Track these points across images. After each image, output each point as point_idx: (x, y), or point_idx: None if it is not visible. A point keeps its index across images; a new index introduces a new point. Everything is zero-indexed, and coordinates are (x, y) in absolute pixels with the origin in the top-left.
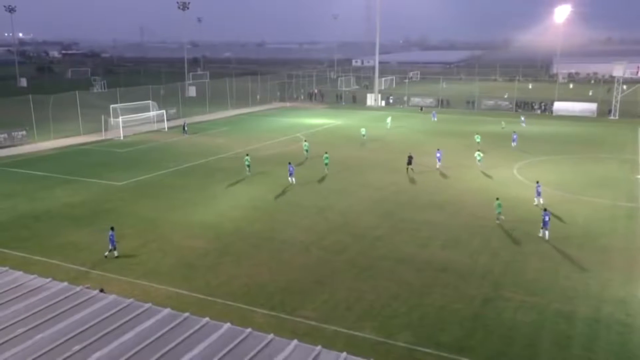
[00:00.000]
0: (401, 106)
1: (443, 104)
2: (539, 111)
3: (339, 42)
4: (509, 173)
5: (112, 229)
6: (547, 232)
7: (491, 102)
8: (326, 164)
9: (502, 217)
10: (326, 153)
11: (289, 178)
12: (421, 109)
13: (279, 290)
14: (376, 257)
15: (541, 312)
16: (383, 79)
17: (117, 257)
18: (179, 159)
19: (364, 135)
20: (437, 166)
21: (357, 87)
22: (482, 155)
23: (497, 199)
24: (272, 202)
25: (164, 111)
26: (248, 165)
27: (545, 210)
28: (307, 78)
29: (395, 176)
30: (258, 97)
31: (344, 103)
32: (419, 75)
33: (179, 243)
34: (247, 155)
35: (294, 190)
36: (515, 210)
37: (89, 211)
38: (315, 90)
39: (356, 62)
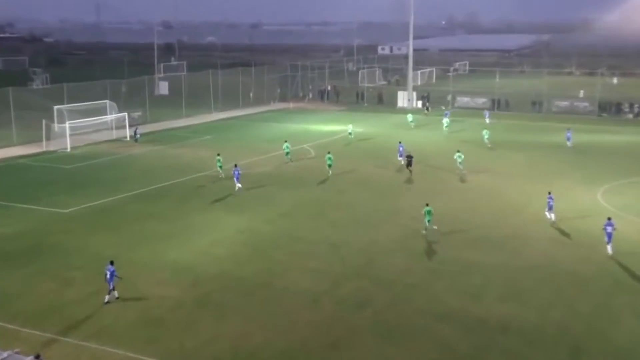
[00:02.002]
0: (443, 107)
1: (500, 105)
2: (630, 115)
3: (360, 23)
4: (590, 198)
5: (111, 263)
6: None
7: (565, 104)
8: (329, 166)
9: (435, 227)
10: (329, 153)
11: (238, 185)
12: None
13: (278, 357)
14: (409, 312)
15: None
16: (419, 71)
17: (117, 298)
18: (146, 177)
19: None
20: (400, 160)
21: (384, 82)
22: (462, 156)
23: (427, 204)
24: (269, 235)
25: (125, 114)
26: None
27: (609, 219)
28: (318, 70)
29: (435, 201)
30: (252, 95)
31: (366, 104)
32: (467, 67)
33: (145, 291)
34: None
35: (298, 220)
36: (600, 247)
37: (25, 247)
38: (329, 87)
39: (383, 49)
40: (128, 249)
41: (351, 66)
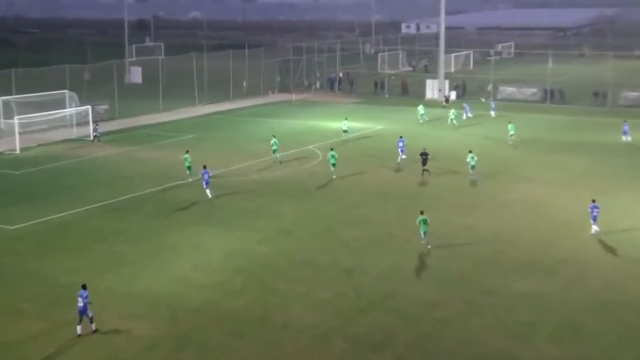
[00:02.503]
0: (482, 99)
1: (553, 96)
2: None
3: None
4: None
5: (84, 287)
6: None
7: (635, 95)
8: (333, 165)
9: (429, 246)
10: (332, 150)
11: (207, 190)
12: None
13: None
14: (441, 353)
15: None
16: (453, 55)
17: (95, 331)
18: (113, 186)
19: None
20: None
21: (409, 68)
22: (475, 158)
23: (422, 212)
24: (265, 258)
25: (89, 108)
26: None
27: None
28: (327, 54)
29: (470, 216)
30: (245, 85)
31: (387, 95)
32: (512, 50)
33: (112, 327)
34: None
35: (302, 239)
36: None
37: None
38: (340, 74)
39: (408, 27)
40: (90, 274)
41: (368, 48)
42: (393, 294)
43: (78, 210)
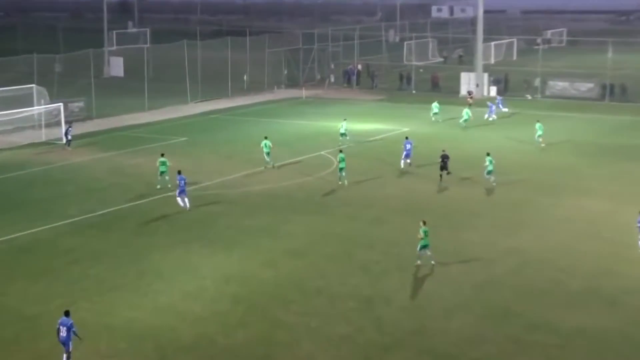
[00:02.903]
0: (529, 96)
1: (612, 92)
2: None
3: None
4: None
5: (67, 314)
6: None
7: None
8: (341, 169)
9: (433, 262)
10: (341, 152)
11: (178, 198)
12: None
13: None
14: None
15: None
16: (493, 43)
17: None
18: (88, 199)
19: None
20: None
21: (440, 59)
22: (493, 162)
23: (424, 222)
24: (270, 285)
25: (60, 105)
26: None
27: None
28: (343, 42)
29: (515, 237)
30: (246, 79)
31: (414, 91)
32: (564, 37)
33: None
34: (266, 138)
35: (314, 262)
36: None
37: None
38: (359, 67)
39: (439, 10)
40: (62, 304)
41: (392, 36)
42: (422, 329)
43: (46, 227)
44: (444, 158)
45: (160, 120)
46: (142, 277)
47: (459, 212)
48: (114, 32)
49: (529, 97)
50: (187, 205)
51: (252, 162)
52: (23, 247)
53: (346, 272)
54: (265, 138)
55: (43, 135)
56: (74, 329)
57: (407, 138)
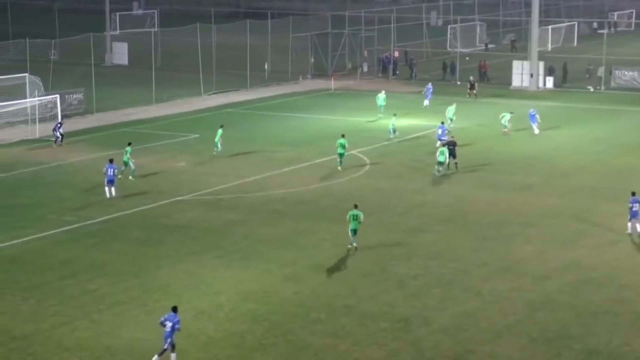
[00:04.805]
0: (591, 88)
1: None
2: None
3: None
4: None
5: (174, 310)
6: (638, 226)
7: None
8: (340, 155)
9: (354, 244)
10: (343, 137)
11: (106, 188)
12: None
13: None
14: None
15: None
16: (550, 27)
17: None
18: (86, 203)
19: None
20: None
21: (490, 46)
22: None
23: (356, 206)
24: (293, 303)
25: (57, 97)
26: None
27: (633, 194)
28: (378, 26)
29: (574, 250)
30: (267, 68)
31: (459, 82)
32: (632, 20)
33: None
34: (222, 127)
35: (343, 278)
36: None
37: None
38: (396, 54)
39: None
40: (55, 322)
41: (434, 19)
42: (465, 353)
43: (39, 235)
44: (451, 145)
45: (169, 114)
46: (148, 293)
47: (509, 222)
48: (117, 14)
49: (591, 89)
50: (112, 194)
51: (273, 163)
52: (12, 258)
53: (379, 289)
54: (221, 126)
55: (37, 131)
56: (177, 326)
57: (442, 123)
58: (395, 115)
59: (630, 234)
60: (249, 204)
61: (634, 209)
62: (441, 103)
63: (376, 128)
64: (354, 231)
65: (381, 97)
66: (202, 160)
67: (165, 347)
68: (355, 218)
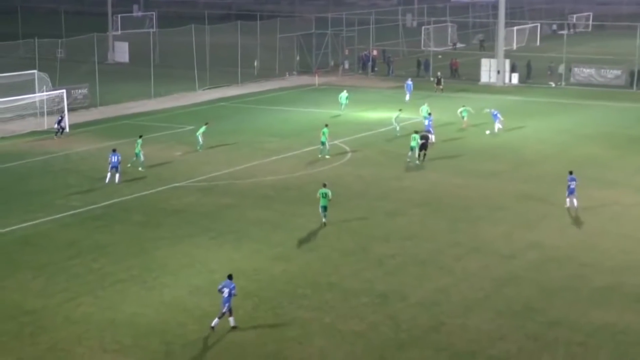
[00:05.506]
0: (552, 84)
1: None
2: None
3: None
4: None
5: (230, 277)
6: (575, 201)
7: None
8: (323, 143)
9: (324, 220)
10: (326, 126)
11: (108, 174)
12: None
13: None
14: None
15: None
16: (515, 28)
17: (234, 327)
18: (91, 189)
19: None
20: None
21: (460, 45)
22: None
23: (324, 185)
24: (281, 280)
25: (63, 92)
26: (323, 142)
27: (571, 173)
28: (359, 27)
29: (537, 231)
30: (256, 65)
31: (432, 78)
32: (590, 21)
33: None
34: (206, 124)
35: (327, 257)
36: None
37: None
38: (375, 52)
39: None
40: (63, 298)
41: (409, 20)
42: (439, 325)
43: (48, 219)
44: (424, 138)
45: (166, 108)
46: (148, 271)
47: (479, 206)
48: (119, 16)
49: (553, 84)
50: (116, 180)
51: (263, 152)
52: (23, 240)
53: (360, 267)
54: (206, 124)
55: (45, 123)
56: (234, 292)
57: (429, 115)
58: (400, 110)
59: (567, 208)
60: (241, 189)
61: (572, 186)
62: (418, 97)
63: (358, 119)
64: (324, 207)
65: (344, 95)
66: (197, 150)
67: (224, 311)
68: (325, 196)
